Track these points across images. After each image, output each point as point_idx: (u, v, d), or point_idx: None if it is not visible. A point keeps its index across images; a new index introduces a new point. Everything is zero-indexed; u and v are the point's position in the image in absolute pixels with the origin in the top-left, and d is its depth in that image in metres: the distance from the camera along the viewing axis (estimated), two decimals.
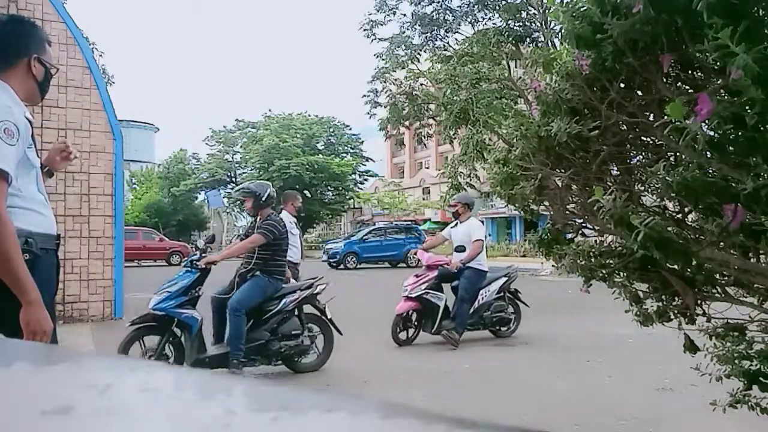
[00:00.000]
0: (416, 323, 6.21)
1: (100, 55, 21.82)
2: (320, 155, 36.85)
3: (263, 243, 4.71)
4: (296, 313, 4.87)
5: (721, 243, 1.68)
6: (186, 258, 5.01)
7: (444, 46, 20.06)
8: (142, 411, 0.35)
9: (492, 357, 5.64)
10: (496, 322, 6.52)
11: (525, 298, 6.79)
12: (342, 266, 21.73)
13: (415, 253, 6.85)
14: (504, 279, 6.56)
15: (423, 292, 6.06)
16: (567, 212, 2.25)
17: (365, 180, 42.47)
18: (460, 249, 6.32)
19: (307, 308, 4.99)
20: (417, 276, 6.23)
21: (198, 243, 5.12)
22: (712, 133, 1.37)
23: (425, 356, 5.61)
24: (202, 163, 42.21)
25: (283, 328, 4.76)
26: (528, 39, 18.48)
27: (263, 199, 4.89)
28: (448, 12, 19.56)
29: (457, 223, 6.60)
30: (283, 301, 4.73)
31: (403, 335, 6.12)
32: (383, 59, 20.68)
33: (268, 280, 4.72)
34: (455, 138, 17.10)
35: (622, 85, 1.77)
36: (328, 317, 4.98)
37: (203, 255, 4.74)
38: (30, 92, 1.99)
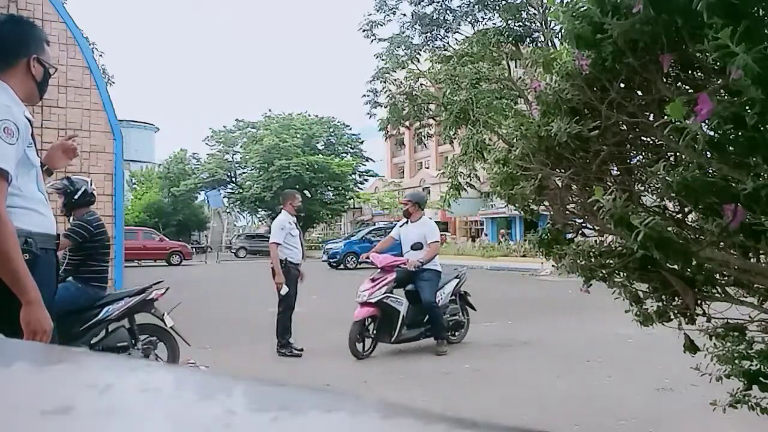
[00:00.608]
0: (374, 332, 5.65)
1: (100, 55, 21.81)
2: (320, 155, 36.84)
3: (71, 246, 4.16)
4: (126, 323, 4.32)
5: (721, 243, 1.68)
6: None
7: (444, 46, 20.06)
8: (142, 411, 0.35)
9: (492, 357, 5.64)
10: (451, 327, 6.09)
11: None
12: (342, 266, 21.73)
13: (367, 257, 6.09)
14: (456, 280, 6.20)
15: (383, 296, 5.53)
16: (567, 212, 2.25)
17: (365, 180, 42.49)
18: (417, 247, 5.85)
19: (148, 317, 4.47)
20: (373, 279, 5.66)
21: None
22: (712, 133, 1.37)
23: (425, 356, 5.61)
24: (202, 163, 42.20)
25: (107, 340, 4.25)
26: (528, 39, 18.48)
27: (76, 197, 4.34)
28: (448, 12, 19.55)
29: (407, 222, 6.12)
30: (105, 310, 4.17)
31: (360, 346, 5.53)
32: (383, 59, 20.68)
33: (81, 287, 4.15)
34: (455, 138, 17.09)
35: (622, 85, 1.77)
36: (169, 326, 4.42)
37: None
38: (29, 92, 2.00)
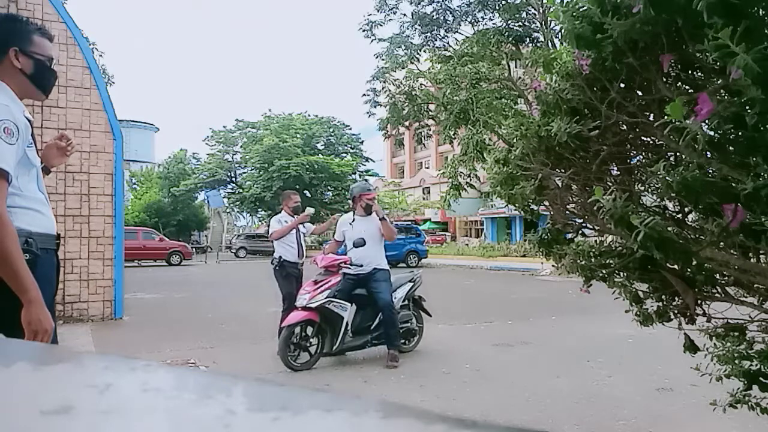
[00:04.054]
0: (317, 341, 5.10)
1: (100, 55, 21.84)
2: (320, 155, 36.85)
3: None
4: None
5: (721, 243, 1.68)
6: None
7: (444, 46, 20.04)
8: (142, 411, 0.35)
9: (492, 357, 5.64)
10: (403, 334, 5.59)
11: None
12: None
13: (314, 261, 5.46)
14: (409, 285, 5.72)
15: (325, 300, 5.01)
16: (567, 212, 2.25)
17: (365, 180, 42.50)
18: (359, 243, 5.24)
19: None
20: (316, 282, 5.15)
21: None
22: (712, 133, 1.37)
23: (425, 356, 5.61)
24: (202, 163, 42.22)
25: None
26: (528, 39, 18.47)
27: None
28: (448, 12, 19.53)
29: (353, 220, 5.53)
30: None
31: (294, 356, 4.98)
32: (383, 59, 20.66)
33: None
34: (455, 138, 17.10)
35: (622, 85, 1.77)
36: None
37: None
38: (22, 87, 1.95)
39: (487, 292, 12.53)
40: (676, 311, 2.06)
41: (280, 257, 5.82)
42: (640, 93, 1.83)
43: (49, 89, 2.05)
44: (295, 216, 6.06)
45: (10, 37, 1.94)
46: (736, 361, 2.03)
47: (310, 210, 6.00)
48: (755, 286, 1.88)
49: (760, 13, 1.34)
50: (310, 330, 5.09)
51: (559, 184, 2.09)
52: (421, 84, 20.50)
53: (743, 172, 1.36)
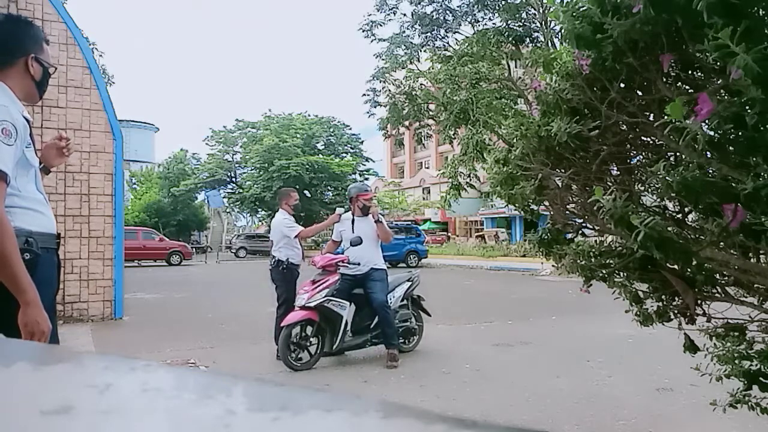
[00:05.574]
0: (317, 340, 5.14)
1: (100, 55, 21.85)
2: (320, 155, 36.84)
3: None
4: None
5: (721, 243, 1.68)
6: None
7: (444, 46, 20.05)
8: (142, 411, 0.35)
9: (492, 357, 5.64)
10: (402, 334, 5.57)
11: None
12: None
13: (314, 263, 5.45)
14: (408, 284, 5.71)
15: (323, 299, 5.03)
16: (567, 212, 2.25)
17: (365, 180, 42.50)
18: (356, 242, 5.29)
19: None
20: (314, 281, 5.18)
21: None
22: (712, 133, 1.37)
23: (425, 356, 5.61)
24: (202, 163, 42.23)
25: None
26: (528, 39, 18.47)
27: None
28: (448, 12, 19.53)
29: (353, 220, 5.51)
30: None
31: (294, 355, 5.02)
32: (383, 59, 20.66)
33: None
34: (455, 138, 17.10)
35: (622, 85, 1.77)
36: None
37: None
38: (28, 92, 1.99)
39: (487, 292, 12.53)
40: (676, 311, 2.06)
41: (288, 259, 5.66)
42: (640, 93, 1.83)
43: (42, 94, 2.09)
44: (296, 216, 6.00)
45: (29, 43, 1.98)
46: (736, 361, 2.03)
47: (340, 210, 5.85)
48: (755, 286, 1.87)
49: (760, 13, 1.34)
50: (309, 329, 5.12)
51: (559, 184, 2.09)
52: (421, 84, 20.50)
53: (743, 172, 1.36)
